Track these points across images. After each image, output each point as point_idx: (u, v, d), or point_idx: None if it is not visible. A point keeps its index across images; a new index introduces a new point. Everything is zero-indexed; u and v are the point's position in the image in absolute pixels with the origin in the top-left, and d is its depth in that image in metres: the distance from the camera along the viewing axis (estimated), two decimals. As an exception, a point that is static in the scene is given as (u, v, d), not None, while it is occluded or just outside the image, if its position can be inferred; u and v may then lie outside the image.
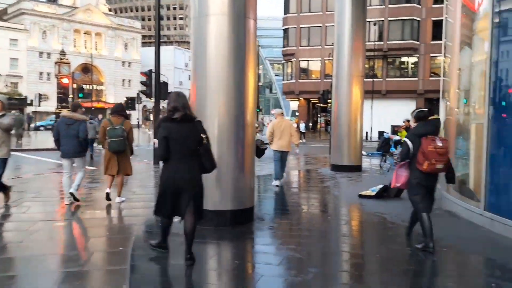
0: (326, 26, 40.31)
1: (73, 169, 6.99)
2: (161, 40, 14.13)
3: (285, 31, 43.79)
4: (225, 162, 5.39)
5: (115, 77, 63.88)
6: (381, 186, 7.99)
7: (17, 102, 44.96)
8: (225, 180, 5.48)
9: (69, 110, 7.36)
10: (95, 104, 47.80)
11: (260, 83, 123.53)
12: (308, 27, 42.23)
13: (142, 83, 14.38)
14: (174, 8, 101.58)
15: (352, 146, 12.36)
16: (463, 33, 6.94)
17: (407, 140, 4.77)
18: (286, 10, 43.37)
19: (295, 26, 42.65)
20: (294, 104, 49.42)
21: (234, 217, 5.55)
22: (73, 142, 6.75)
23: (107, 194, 6.95)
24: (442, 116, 8.38)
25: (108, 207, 6.73)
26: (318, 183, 10.26)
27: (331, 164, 12.76)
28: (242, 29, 5.57)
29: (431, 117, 4.96)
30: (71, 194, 6.81)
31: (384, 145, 13.35)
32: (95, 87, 54.68)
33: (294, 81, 43.34)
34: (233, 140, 5.55)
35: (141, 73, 17.23)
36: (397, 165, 4.96)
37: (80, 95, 28.71)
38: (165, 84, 13.88)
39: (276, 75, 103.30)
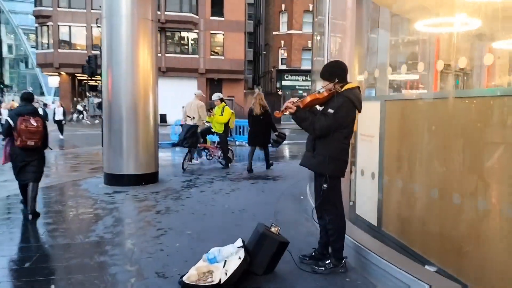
0: (92, -15, 33.01)
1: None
2: None
3: (37, -15, 34.07)
4: None
5: None
6: (235, 249, 3.36)
7: None
8: None
9: None
10: None
11: (12, 56, 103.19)
12: (68, -16, 33.84)
13: None
14: None
15: (141, 142, 7.36)
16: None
17: (8, 118, 5.12)
18: (36, -42, 33.61)
19: (50, -19, 33.51)
20: (54, 80, 39.77)
21: None
22: None
23: None
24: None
25: None
26: (75, 229, 4.86)
27: (105, 174, 7.45)
28: None
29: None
30: None
31: (190, 136, 8.81)
32: None
33: (53, 50, 34.31)
34: None
35: None
36: (4, 143, 5.25)
37: None
38: None
39: (33, 47, 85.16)
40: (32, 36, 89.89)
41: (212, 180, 7.80)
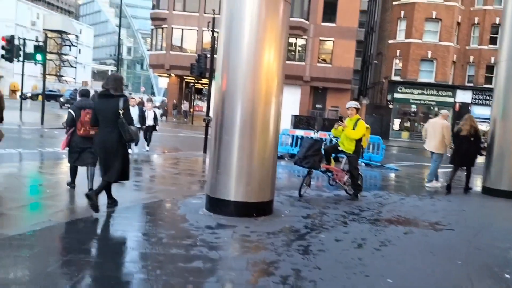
0: (206, -11, 33.20)
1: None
2: None
3: (156, -11, 35.29)
4: None
5: None
6: None
7: None
8: None
9: None
10: None
11: (130, 58, 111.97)
12: (184, -12, 34.51)
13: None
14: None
15: (256, 160, 5.57)
16: None
17: (71, 110, 6.07)
18: (157, -36, 34.80)
19: (168, -15, 34.46)
20: (164, 81, 41.10)
21: None
22: None
23: None
24: None
25: None
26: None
27: (207, 197, 5.81)
28: None
29: None
30: None
31: (313, 154, 6.89)
32: None
33: (165, 52, 35.21)
34: None
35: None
36: (69, 132, 6.14)
37: None
38: None
39: (149, 50, 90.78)
40: (149, 40, 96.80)
41: (344, 220, 5.72)
